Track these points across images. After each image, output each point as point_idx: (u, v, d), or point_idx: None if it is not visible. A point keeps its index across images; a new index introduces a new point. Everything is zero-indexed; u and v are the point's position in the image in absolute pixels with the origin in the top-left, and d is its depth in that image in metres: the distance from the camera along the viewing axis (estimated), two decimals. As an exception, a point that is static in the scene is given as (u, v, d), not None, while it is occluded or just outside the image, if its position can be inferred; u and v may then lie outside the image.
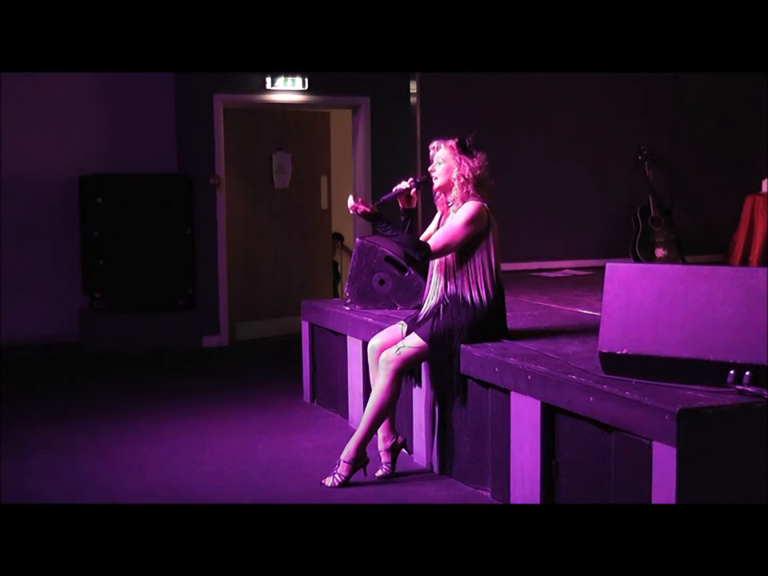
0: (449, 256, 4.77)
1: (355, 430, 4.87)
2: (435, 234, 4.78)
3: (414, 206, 4.97)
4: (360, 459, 4.81)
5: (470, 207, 4.72)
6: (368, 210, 4.78)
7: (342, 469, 4.78)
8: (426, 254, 4.71)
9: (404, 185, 4.93)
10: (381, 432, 4.94)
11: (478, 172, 4.77)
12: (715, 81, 9.05)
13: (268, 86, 9.03)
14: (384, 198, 5.01)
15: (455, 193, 4.79)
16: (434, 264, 4.86)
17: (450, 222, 4.76)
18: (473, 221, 4.71)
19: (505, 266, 4.93)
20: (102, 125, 8.91)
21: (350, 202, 4.83)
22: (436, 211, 4.98)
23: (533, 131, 8.77)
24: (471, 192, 4.76)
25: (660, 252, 8.68)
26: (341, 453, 4.82)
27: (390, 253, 5.87)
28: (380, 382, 4.76)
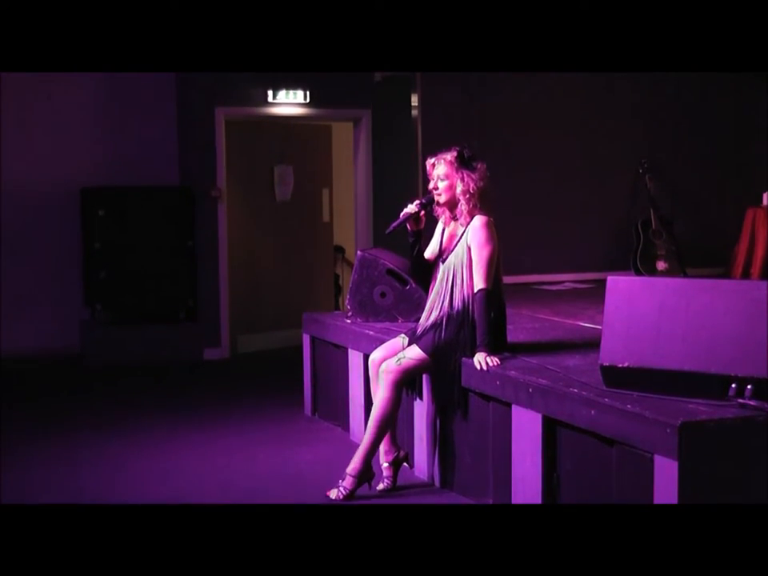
0: (456, 271, 4.74)
1: (356, 443, 4.87)
2: (474, 273, 4.68)
3: (423, 227, 4.87)
4: (365, 473, 4.78)
5: (480, 225, 4.70)
6: None
7: (346, 482, 4.75)
8: (485, 295, 4.65)
9: (411, 208, 4.82)
10: (382, 446, 4.92)
11: (481, 183, 4.75)
12: (715, 92, 9.07)
13: (269, 98, 9.03)
14: (393, 225, 4.86)
15: (462, 207, 4.76)
16: (438, 277, 4.84)
17: (474, 254, 4.68)
18: (491, 235, 4.70)
19: (505, 279, 4.91)
20: (104, 137, 8.90)
21: None
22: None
23: (533, 144, 8.78)
24: (477, 205, 4.75)
25: (661, 265, 8.68)
26: (342, 465, 4.81)
27: (391, 265, 5.86)
28: (380, 394, 4.75)
